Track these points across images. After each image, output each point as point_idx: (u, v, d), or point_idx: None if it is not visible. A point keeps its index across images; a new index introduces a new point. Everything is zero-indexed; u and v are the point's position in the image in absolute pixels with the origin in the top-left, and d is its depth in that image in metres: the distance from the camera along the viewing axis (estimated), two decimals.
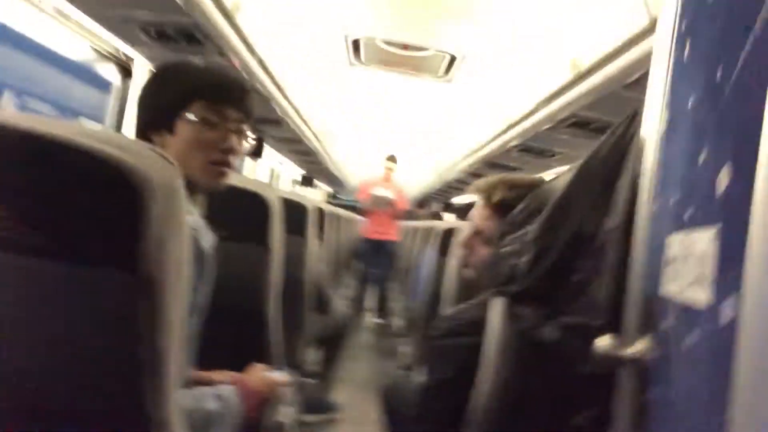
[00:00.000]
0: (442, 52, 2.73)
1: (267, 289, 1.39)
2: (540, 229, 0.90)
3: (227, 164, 1.07)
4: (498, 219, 1.13)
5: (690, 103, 0.57)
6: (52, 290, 0.59)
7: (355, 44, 2.91)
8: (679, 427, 0.51)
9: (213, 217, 1.10)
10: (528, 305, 0.88)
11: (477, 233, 1.23)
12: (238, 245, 1.32)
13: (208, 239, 1.04)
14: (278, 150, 4.75)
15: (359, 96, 3.91)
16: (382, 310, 5.43)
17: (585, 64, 1.65)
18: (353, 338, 4.37)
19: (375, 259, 5.36)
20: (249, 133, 1.12)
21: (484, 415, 1.00)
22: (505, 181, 1.19)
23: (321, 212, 2.99)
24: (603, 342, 0.69)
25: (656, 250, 0.64)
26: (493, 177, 1.22)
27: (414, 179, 6.68)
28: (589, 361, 0.75)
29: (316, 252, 2.56)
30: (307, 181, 5.87)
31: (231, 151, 1.07)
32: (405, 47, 2.80)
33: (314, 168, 5.61)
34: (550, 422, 0.88)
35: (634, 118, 0.89)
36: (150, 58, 2.17)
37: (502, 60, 2.67)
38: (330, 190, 9.34)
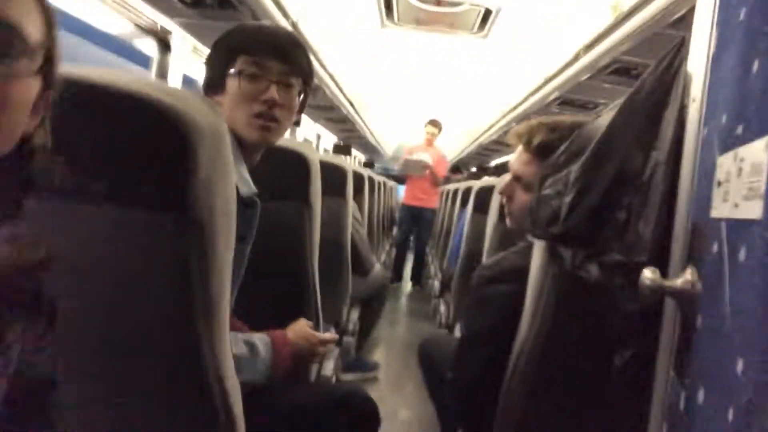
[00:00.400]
0: (476, 5, 2.66)
1: (308, 246, 1.42)
2: (583, 168, 0.88)
3: (270, 117, 1.07)
4: (539, 163, 1.12)
5: (742, 16, 0.54)
6: (111, 235, 0.62)
7: (387, 3, 2.87)
8: (733, 349, 0.51)
9: (255, 176, 1.13)
10: (570, 246, 0.87)
11: (517, 179, 1.22)
12: (278, 203, 1.34)
13: (250, 190, 1.06)
14: (313, 118, 4.76)
15: (393, 59, 3.86)
16: (420, 275, 5.46)
17: (626, 5, 1.58)
18: (391, 302, 4.43)
19: (413, 227, 5.36)
20: (299, 87, 1.12)
21: (525, 361, 1.01)
22: (545, 123, 1.16)
23: (360, 177, 2.99)
24: (649, 275, 0.68)
25: (706, 175, 0.62)
26: (532, 120, 1.20)
27: (451, 143, 6.56)
28: (633, 297, 0.75)
29: (356, 215, 2.59)
30: (341, 150, 5.85)
31: (273, 102, 1.06)
32: (438, 3, 2.74)
33: (350, 136, 5.60)
34: (592, 363, 0.88)
35: (679, 50, 0.86)
36: (187, 28, 2.19)
37: (539, 9, 2.58)
38: (365, 158, 9.34)
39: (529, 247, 1.07)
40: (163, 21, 2.17)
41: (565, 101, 2.94)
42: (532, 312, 0.98)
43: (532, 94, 3.22)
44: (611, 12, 1.77)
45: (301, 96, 1.15)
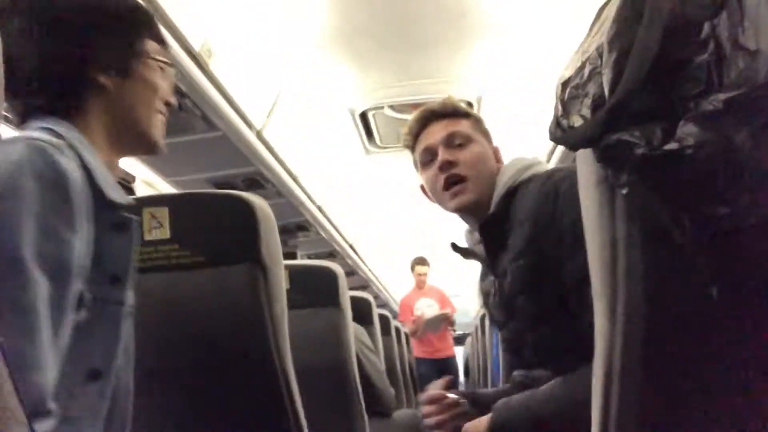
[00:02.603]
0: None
1: (270, 328, 0.99)
2: (619, 22, 0.56)
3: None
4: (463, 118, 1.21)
5: None
6: None
7: (366, 126, 2.76)
8: None
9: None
10: (640, 129, 0.50)
11: (450, 138, 1.15)
12: (216, 269, 0.97)
13: (123, 197, 0.71)
14: None
15: (381, 188, 3.69)
16: None
17: None
18: None
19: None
20: None
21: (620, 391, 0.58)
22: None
23: (366, 303, 2.58)
24: None
25: None
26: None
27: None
28: None
29: (364, 339, 2.14)
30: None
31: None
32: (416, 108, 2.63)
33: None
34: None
35: None
36: None
37: (520, 94, 2.45)
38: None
39: None
40: None
41: None
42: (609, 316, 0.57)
43: None
44: None
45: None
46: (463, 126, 1.13)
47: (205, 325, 0.98)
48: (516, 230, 1.01)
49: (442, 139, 1.11)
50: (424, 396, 1.14)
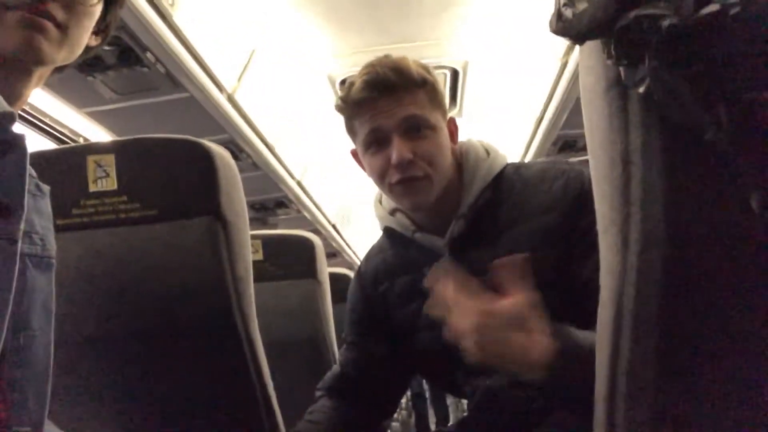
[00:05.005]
0: (442, 66, 2.43)
1: (230, 283, 0.89)
2: None
3: (35, 9, 0.58)
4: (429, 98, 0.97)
5: None
6: None
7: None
8: None
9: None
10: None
11: (410, 121, 0.94)
12: (174, 223, 0.87)
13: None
14: None
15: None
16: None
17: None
18: None
19: None
20: None
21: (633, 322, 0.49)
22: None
23: (346, 281, 2.50)
24: None
25: None
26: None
27: None
28: None
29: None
30: None
31: None
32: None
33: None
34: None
35: None
36: (104, 120, 1.89)
37: (503, 67, 2.35)
38: None
39: None
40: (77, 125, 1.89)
41: None
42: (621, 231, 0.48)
43: None
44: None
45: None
46: (421, 103, 0.93)
47: (159, 287, 0.88)
48: (526, 218, 0.92)
49: (398, 125, 0.91)
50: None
